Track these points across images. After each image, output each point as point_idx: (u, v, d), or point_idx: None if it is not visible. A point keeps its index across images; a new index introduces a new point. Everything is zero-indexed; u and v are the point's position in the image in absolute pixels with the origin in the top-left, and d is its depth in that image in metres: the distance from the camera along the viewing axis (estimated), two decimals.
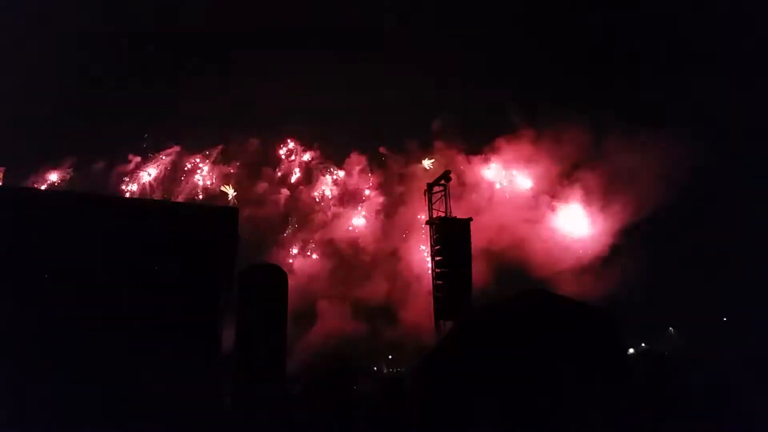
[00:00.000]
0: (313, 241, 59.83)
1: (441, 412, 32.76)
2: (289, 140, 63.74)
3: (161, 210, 42.56)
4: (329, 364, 44.32)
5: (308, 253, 59.70)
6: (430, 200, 46.35)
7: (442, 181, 46.18)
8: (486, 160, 58.49)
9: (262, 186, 62.22)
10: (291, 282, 52.88)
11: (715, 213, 50.47)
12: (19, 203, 37.58)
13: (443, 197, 45.71)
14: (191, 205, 51.77)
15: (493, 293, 47.57)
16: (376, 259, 57.50)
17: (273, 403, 36.66)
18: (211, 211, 47.08)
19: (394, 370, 51.29)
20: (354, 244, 58.81)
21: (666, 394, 35.46)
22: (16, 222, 35.21)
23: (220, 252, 37.98)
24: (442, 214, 45.05)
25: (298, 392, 41.25)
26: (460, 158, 58.94)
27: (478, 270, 47.24)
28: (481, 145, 58.95)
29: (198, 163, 62.31)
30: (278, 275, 40.60)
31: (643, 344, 47.49)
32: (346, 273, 57.19)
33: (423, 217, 49.60)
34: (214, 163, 62.56)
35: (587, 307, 36.59)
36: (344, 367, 43.75)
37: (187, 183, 61.35)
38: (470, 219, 44.36)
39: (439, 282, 43.30)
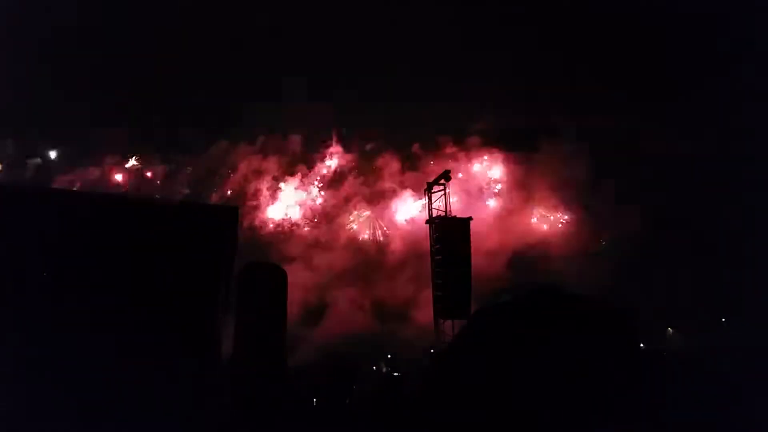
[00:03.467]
0: (334, 239, 60.12)
1: (448, 411, 32.74)
2: (332, 140, 63.66)
3: (159, 207, 42.27)
4: (327, 362, 44.26)
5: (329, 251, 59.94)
6: (429, 199, 46.24)
7: (442, 181, 46.08)
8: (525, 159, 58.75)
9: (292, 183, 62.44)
10: (308, 278, 53.52)
11: (715, 210, 50.77)
12: (13, 200, 37.27)
13: (444, 196, 45.67)
14: (190, 202, 51.66)
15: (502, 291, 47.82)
16: (398, 259, 57.65)
17: (272, 404, 36.50)
18: (210, 209, 46.99)
19: (392, 369, 51.23)
20: (378, 243, 59.06)
21: (666, 395, 35.48)
22: (10, 220, 34.89)
23: (219, 251, 37.75)
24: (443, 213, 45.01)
25: (299, 391, 41.14)
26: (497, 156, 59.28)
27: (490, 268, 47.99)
28: (519, 145, 59.24)
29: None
30: (278, 274, 40.43)
31: (641, 344, 47.55)
32: (364, 272, 57.54)
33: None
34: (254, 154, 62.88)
35: (602, 303, 36.68)
36: (342, 366, 43.73)
37: (222, 186, 61.78)
38: (470, 218, 44.29)
39: (439, 281, 43.19)
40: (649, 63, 59.11)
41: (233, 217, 40.31)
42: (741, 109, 51.49)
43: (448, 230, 43.57)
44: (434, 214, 45.35)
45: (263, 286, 39.23)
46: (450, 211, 45.14)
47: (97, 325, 33.57)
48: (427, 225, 45.66)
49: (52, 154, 61.78)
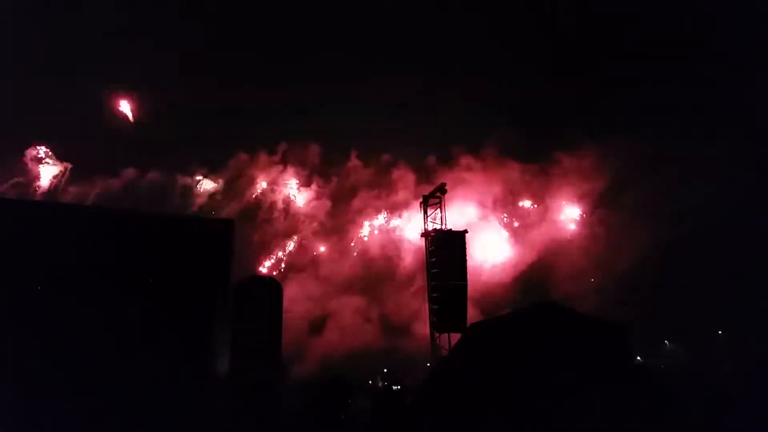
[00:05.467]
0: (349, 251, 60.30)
1: (445, 424, 32.72)
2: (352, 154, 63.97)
3: (157, 222, 42.61)
4: (323, 375, 44.21)
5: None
6: (425, 212, 46.27)
7: (438, 194, 46.13)
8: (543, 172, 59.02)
9: (309, 192, 62.67)
10: (308, 290, 53.71)
11: (714, 225, 50.75)
12: (22, 214, 38.13)
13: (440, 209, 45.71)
14: (187, 216, 52.16)
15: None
16: (410, 273, 57.64)
17: (268, 414, 36.60)
18: (207, 223, 47.50)
19: (389, 382, 50.94)
20: (388, 257, 59.07)
21: (664, 408, 35.31)
22: (20, 233, 35.68)
23: (215, 262, 38.27)
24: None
25: (297, 405, 41.18)
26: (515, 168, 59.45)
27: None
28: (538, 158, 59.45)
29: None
30: (273, 286, 40.87)
31: (638, 357, 47.32)
32: (374, 285, 57.62)
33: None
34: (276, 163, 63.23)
35: (596, 320, 36.67)
36: (339, 382, 43.71)
37: (242, 197, 62.15)
38: (465, 231, 44.22)
39: (435, 295, 43.08)
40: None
41: (229, 229, 40.82)
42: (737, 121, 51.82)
43: (444, 243, 43.47)
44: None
45: (259, 299, 39.72)
46: (446, 224, 45.11)
47: (98, 332, 34.11)
48: (423, 238, 45.89)
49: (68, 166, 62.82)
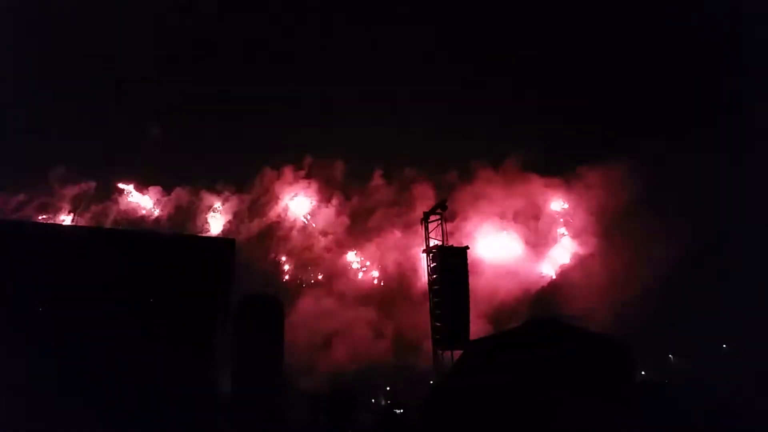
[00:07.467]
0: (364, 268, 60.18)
1: None
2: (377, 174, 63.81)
3: (159, 241, 42.77)
4: (328, 396, 43.94)
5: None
6: (426, 229, 46.26)
7: (439, 210, 46.16)
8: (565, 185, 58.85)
9: (329, 208, 62.58)
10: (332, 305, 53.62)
11: (713, 236, 50.75)
12: (31, 236, 38.43)
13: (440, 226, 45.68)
14: (189, 236, 52.23)
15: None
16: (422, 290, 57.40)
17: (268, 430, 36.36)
18: (208, 242, 47.63)
19: (392, 401, 50.66)
20: (402, 274, 58.90)
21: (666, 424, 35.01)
22: (28, 253, 35.86)
23: (216, 281, 38.23)
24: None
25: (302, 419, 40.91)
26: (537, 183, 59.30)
27: None
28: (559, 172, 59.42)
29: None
30: (274, 305, 40.82)
31: (642, 372, 47.01)
32: (387, 302, 57.38)
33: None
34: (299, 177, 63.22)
35: (598, 336, 36.57)
36: (342, 399, 43.43)
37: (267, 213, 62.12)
38: (467, 247, 44.25)
39: (437, 311, 42.93)
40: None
41: (230, 249, 40.86)
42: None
43: (446, 260, 43.44)
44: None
45: (259, 317, 39.63)
46: (447, 240, 45.08)
47: (99, 350, 34.11)
48: (424, 254, 45.80)
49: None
